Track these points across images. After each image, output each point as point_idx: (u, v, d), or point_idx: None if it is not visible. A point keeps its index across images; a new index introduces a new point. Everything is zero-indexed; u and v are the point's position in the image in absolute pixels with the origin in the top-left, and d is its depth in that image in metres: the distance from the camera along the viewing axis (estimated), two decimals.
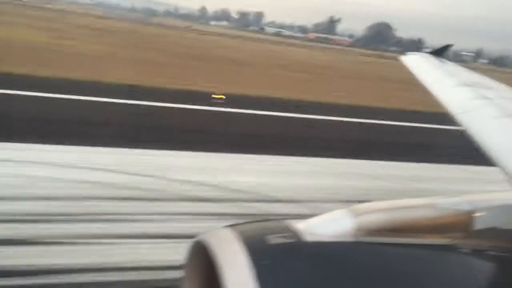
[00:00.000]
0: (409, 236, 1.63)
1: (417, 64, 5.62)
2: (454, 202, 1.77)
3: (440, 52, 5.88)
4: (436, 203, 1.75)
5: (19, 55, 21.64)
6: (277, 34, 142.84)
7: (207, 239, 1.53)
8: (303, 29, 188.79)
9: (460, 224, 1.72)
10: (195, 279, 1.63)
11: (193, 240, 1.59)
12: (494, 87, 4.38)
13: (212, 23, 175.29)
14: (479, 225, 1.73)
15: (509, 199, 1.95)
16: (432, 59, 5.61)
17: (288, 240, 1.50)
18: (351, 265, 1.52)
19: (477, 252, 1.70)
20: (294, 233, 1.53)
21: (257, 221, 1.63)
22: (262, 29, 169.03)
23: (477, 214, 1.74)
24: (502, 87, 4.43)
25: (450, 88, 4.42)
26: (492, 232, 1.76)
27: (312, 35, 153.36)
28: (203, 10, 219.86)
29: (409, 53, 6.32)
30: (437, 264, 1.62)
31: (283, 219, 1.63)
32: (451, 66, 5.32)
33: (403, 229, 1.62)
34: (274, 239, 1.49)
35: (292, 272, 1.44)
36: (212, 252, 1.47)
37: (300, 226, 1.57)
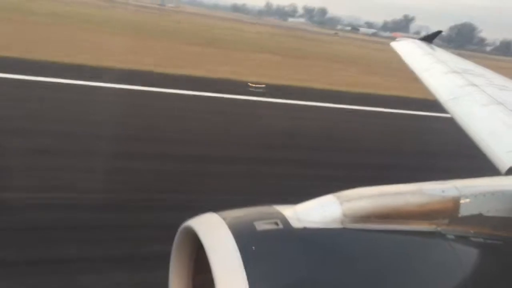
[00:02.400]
0: (395, 222, 1.64)
1: (408, 50, 5.54)
2: (441, 188, 1.78)
3: (431, 38, 5.75)
4: (423, 189, 1.76)
5: None
6: (374, 35, 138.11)
7: (195, 224, 1.53)
8: (371, 27, 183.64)
9: (447, 210, 1.73)
10: (183, 265, 1.66)
11: (181, 225, 1.60)
12: (484, 74, 4.30)
13: (290, 20, 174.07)
14: (464, 212, 1.75)
15: (494, 186, 1.97)
16: (423, 46, 5.50)
17: (275, 226, 1.51)
18: (338, 251, 1.54)
19: (462, 239, 1.72)
20: (282, 219, 1.54)
21: (245, 207, 1.63)
22: (357, 29, 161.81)
23: (463, 201, 1.76)
24: (492, 74, 4.33)
25: (439, 75, 4.40)
26: (477, 219, 1.77)
27: (398, 35, 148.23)
28: (268, 5, 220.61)
29: (399, 39, 6.21)
30: (422, 250, 1.65)
31: (271, 205, 1.64)
32: (442, 53, 5.22)
33: (390, 215, 1.64)
34: (262, 225, 1.50)
35: (278, 258, 1.45)
36: (200, 238, 1.48)
37: (288, 212, 1.58)
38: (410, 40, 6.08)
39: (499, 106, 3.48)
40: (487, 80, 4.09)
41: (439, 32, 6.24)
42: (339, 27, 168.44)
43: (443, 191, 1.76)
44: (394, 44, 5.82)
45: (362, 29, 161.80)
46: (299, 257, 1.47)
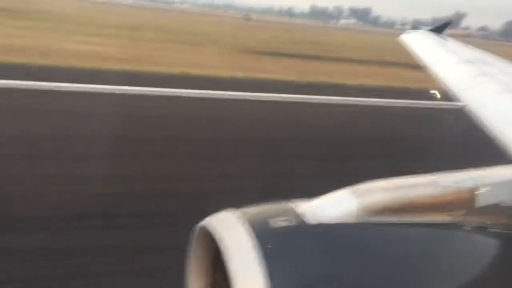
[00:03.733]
0: (412, 215, 1.64)
1: (418, 42, 5.44)
2: (457, 179, 1.77)
3: (440, 29, 5.62)
4: (439, 180, 1.75)
5: None
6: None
7: (212, 223, 1.55)
8: (418, 24, 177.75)
9: (463, 201, 1.72)
10: (201, 264, 1.67)
11: (197, 224, 1.62)
12: (496, 63, 4.20)
13: (342, 21, 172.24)
14: (481, 202, 1.74)
15: (511, 174, 1.95)
16: (433, 37, 5.39)
17: (291, 223, 1.52)
18: (355, 246, 1.54)
19: (479, 229, 1.71)
20: (298, 215, 1.54)
21: (261, 204, 1.64)
22: (418, 29, 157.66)
23: (479, 191, 1.74)
24: (505, 63, 4.21)
25: (451, 66, 4.34)
26: (494, 209, 1.76)
27: (458, 31, 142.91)
28: (313, 7, 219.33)
29: (409, 31, 6.09)
30: (440, 242, 1.64)
31: (286, 201, 1.65)
32: (452, 43, 5.11)
33: (406, 208, 1.63)
34: (278, 222, 1.51)
35: (296, 254, 1.46)
36: (216, 237, 1.49)
37: (304, 208, 1.58)
38: (420, 31, 5.99)
39: None
40: (500, 69, 4.00)
41: (448, 23, 6.13)
42: (396, 27, 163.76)
43: (458, 182, 1.75)
44: (404, 37, 5.75)
45: (424, 28, 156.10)
46: (316, 253, 1.48)
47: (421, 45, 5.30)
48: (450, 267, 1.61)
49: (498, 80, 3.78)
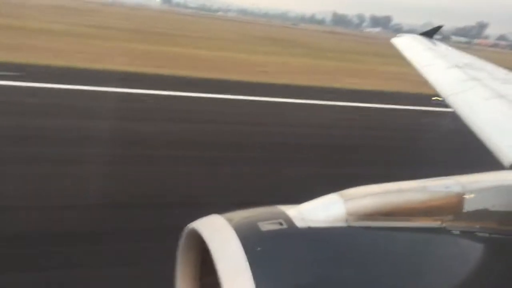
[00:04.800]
0: (400, 219, 1.64)
1: (409, 46, 5.44)
2: (445, 184, 1.78)
3: (431, 34, 5.61)
4: (427, 185, 1.76)
5: None
6: (468, 43, 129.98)
7: (200, 226, 1.54)
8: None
9: (451, 206, 1.72)
10: (189, 267, 1.67)
11: (185, 228, 1.61)
12: (486, 68, 4.20)
13: (368, 30, 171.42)
14: (469, 207, 1.74)
15: (499, 180, 1.97)
16: (424, 41, 5.39)
17: (279, 226, 1.51)
18: (342, 250, 1.54)
19: (467, 234, 1.71)
20: (286, 219, 1.54)
21: (249, 208, 1.64)
22: (449, 38, 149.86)
23: (467, 196, 1.75)
24: (494, 67, 4.20)
25: (441, 70, 4.35)
26: (482, 214, 1.77)
27: (485, 42, 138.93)
28: (335, 15, 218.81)
29: (400, 34, 6.08)
30: (428, 247, 1.64)
31: (275, 205, 1.65)
32: (443, 48, 5.10)
33: (394, 212, 1.64)
34: (266, 226, 1.50)
35: (283, 258, 1.46)
36: (205, 240, 1.48)
37: (292, 212, 1.59)
38: (411, 35, 5.98)
39: (501, 99, 3.40)
40: (489, 74, 3.99)
41: (439, 27, 6.13)
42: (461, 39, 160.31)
43: (447, 187, 1.76)
44: (395, 40, 5.75)
45: (454, 37, 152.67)
46: (304, 257, 1.48)
47: (412, 49, 5.30)
48: (438, 271, 1.61)
49: (486, 85, 3.78)
